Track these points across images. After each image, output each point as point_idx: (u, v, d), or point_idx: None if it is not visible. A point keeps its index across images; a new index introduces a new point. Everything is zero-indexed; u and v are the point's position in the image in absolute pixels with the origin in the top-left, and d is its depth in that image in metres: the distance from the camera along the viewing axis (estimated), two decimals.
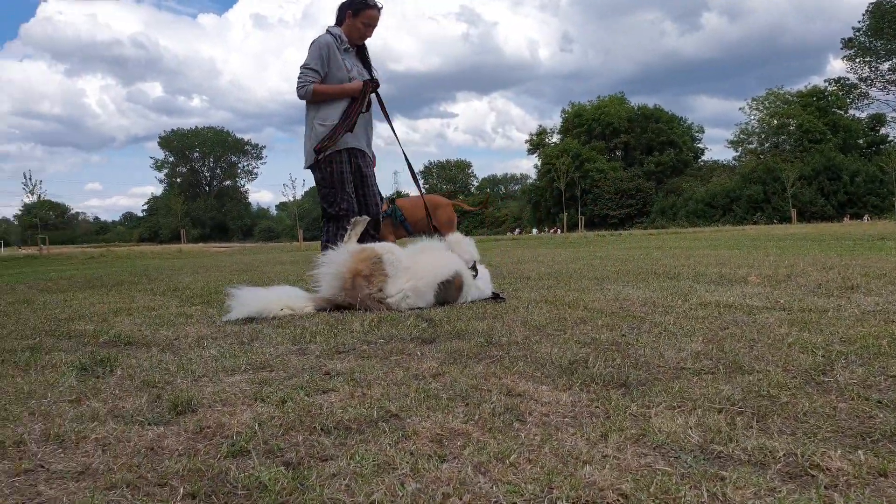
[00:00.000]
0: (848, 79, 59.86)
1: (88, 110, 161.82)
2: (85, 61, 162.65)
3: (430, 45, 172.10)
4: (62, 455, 1.45)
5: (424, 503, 1.17)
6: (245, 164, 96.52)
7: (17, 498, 1.24)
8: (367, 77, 4.53)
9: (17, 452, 1.47)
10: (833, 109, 57.59)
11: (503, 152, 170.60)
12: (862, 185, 48.18)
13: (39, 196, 33.70)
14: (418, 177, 4.80)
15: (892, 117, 58.24)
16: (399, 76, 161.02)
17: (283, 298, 3.54)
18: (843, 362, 2.01)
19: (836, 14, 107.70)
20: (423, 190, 5.05)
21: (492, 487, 1.21)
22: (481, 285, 3.81)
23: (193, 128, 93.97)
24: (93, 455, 1.43)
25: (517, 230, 58.26)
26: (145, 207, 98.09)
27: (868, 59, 57.44)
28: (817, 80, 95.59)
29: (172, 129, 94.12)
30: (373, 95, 4.53)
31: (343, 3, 4.47)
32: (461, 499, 1.17)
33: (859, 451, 1.31)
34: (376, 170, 4.74)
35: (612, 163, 62.06)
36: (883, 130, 59.03)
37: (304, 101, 4.45)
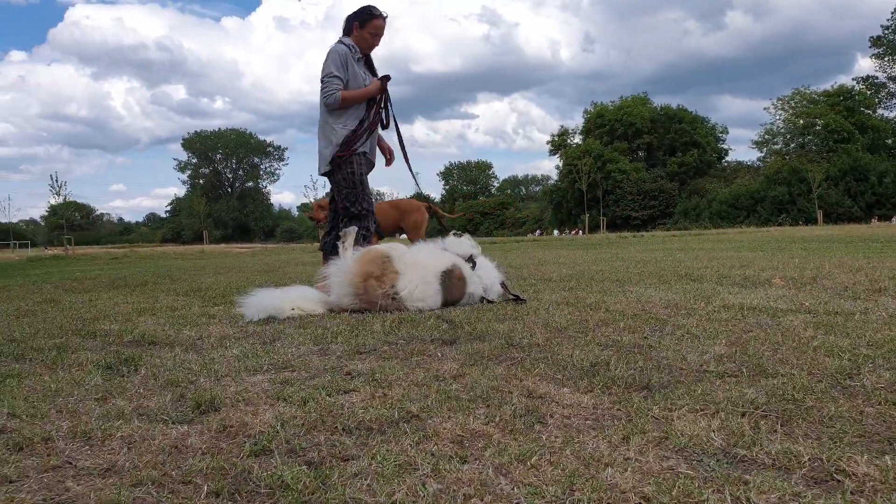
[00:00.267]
0: (877, 77, 58.84)
1: (114, 112, 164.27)
2: (111, 64, 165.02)
3: (451, 46, 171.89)
4: (89, 452, 1.47)
5: None
6: (267, 165, 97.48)
7: (45, 493, 1.26)
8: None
9: (46, 449, 1.50)
10: (861, 109, 56.51)
11: (524, 153, 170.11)
12: (890, 186, 47.19)
13: (65, 197, 34.44)
14: (416, 175, 5.04)
15: None
16: (420, 77, 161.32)
17: (294, 299, 3.64)
18: (870, 366, 1.98)
19: (864, 11, 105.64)
20: (423, 191, 5.39)
21: (513, 489, 1.21)
22: (482, 274, 3.93)
23: (216, 129, 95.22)
24: (118, 452, 1.46)
25: (538, 231, 58.02)
26: (168, 208, 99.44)
27: None
28: (844, 80, 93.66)
29: (195, 131, 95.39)
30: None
31: (350, 15, 4.62)
32: (483, 500, 1.17)
33: (886, 457, 1.29)
34: (390, 168, 4.98)
35: (635, 163, 61.49)
36: None
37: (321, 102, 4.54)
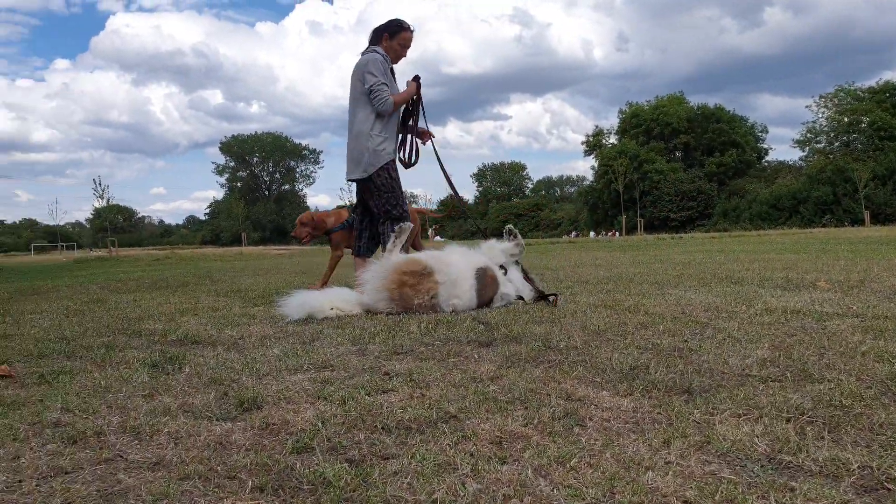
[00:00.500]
0: None
1: (153, 118, 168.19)
2: (150, 71, 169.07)
3: (483, 47, 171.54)
4: (138, 446, 1.52)
5: None
6: (303, 168, 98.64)
7: (99, 484, 1.31)
8: None
9: (98, 442, 1.55)
10: None
11: (558, 154, 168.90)
12: None
13: (108, 200, 35.49)
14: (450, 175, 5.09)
15: None
16: (452, 79, 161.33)
17: (333, 300, 3.70)
18: None
19: None
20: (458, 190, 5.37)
21: (553, 490, 1.21)
22: (514, 278, 4.03)
23: (252, 133, 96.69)
24: (166, 447, 1.50)
25: (574, 233, 57.53)
26: (207, 211, 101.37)
27: None
28: (890, 75, 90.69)
29: (233, 135, 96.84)
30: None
31: (378, 28, 4.78)
32: (522, 501, 1.18)
33: None
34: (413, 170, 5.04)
35: (672, 164, 60.47)
36: None
37: (353, 109, 4.71)
